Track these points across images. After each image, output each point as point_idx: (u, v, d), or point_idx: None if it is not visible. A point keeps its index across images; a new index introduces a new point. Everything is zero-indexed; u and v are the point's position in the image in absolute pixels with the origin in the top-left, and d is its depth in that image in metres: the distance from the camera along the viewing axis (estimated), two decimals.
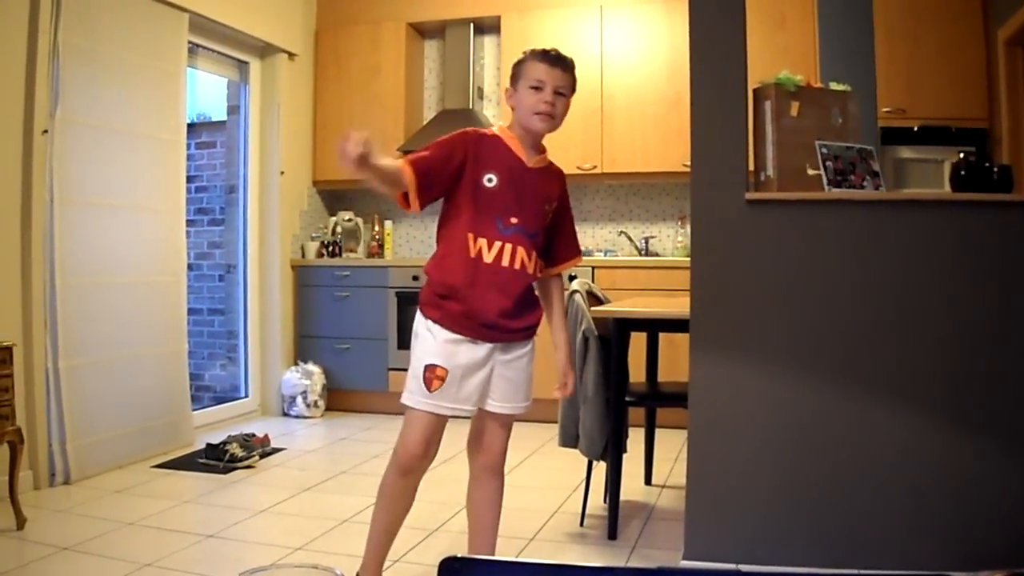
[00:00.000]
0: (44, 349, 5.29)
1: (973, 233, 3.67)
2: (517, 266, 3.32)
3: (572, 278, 6.63)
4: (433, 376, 3.31)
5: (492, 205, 3.30)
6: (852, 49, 5.06)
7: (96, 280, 5.71)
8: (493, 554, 3.55)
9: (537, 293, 3.55)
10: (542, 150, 3.45)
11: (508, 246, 3.30)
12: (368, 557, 3.51)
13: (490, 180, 3.30)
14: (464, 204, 3.31)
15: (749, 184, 3.90)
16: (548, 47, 3.38)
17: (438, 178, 3.26)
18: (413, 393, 3.35)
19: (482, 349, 3.34)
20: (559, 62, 3.33)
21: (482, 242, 3.29)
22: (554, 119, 3.32)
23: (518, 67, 3.39)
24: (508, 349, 3.41)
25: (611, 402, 4.42)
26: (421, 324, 3.38)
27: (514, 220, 3.31)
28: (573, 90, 3.39)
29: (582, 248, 7.85)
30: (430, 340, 3.33)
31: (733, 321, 3.87)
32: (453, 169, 3.28)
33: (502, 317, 3.32)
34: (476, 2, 8.19)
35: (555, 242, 3.54)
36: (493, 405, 3.44)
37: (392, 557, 4.08)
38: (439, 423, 3.38)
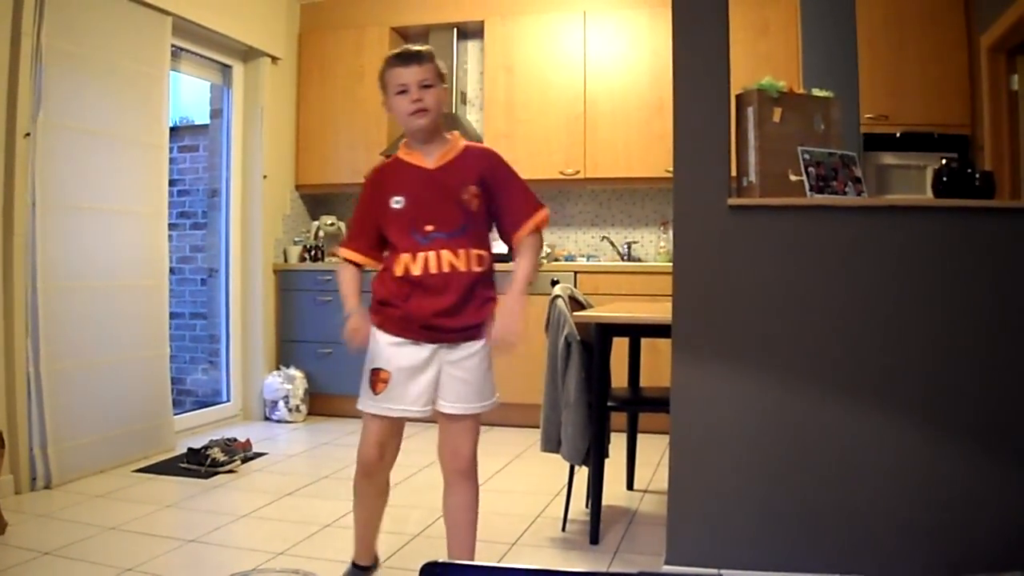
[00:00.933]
0: (26, 353, 5.27)
1: (955, 239, 3.68)
2: (446, 269, 3.36)
3: (554, 283, 6.65)
4: (377, 379, 3.42)
5: (404, 222, 3.40)
6: (835, 55, 5.07)
7: (78, 284, 5.69)
8: (472, 559, 3.55)
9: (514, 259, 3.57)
10: (446, 142, 3.49)
11: (432, 254, 3.36)
12: (356, 545, 3.73)
13: (397, 202, 3.40)
14: (387, 233, 3.46)
15: (731, 190, 3.91)
16: (401, 49, 3.44)
17: (373, 233, 3.51)
18: (363, 397, 3.47)
19: (425, 350, 3.41)
20: (413, 59, 3.36)
21: (406, 258, 3.39)
22: (429, 111, 3.37)
23: (381, 79, 3.44)
24: (454, 349, 3.44)
25: (593, 407, 4.42)
26: (374, 328, 3.48)
27: (429, 227, 3.37)
28: (441, 78, 3.43)
29: (565, 252, 7.93)
30: (374, 344, 3.44)
31: (715, 326, 3.87)
32: (375, 216, 3.47)
33: (438, 317, 3.37)
34: (460, 7, 8.18)
35: (504, 213, 3.54)
36: (445, 406, 3.45)
37: None
38: (391, 425, 3.48)
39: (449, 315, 3.37)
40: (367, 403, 3.44)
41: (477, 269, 3.41)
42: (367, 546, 3.72)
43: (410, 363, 3.39)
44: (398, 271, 3.38)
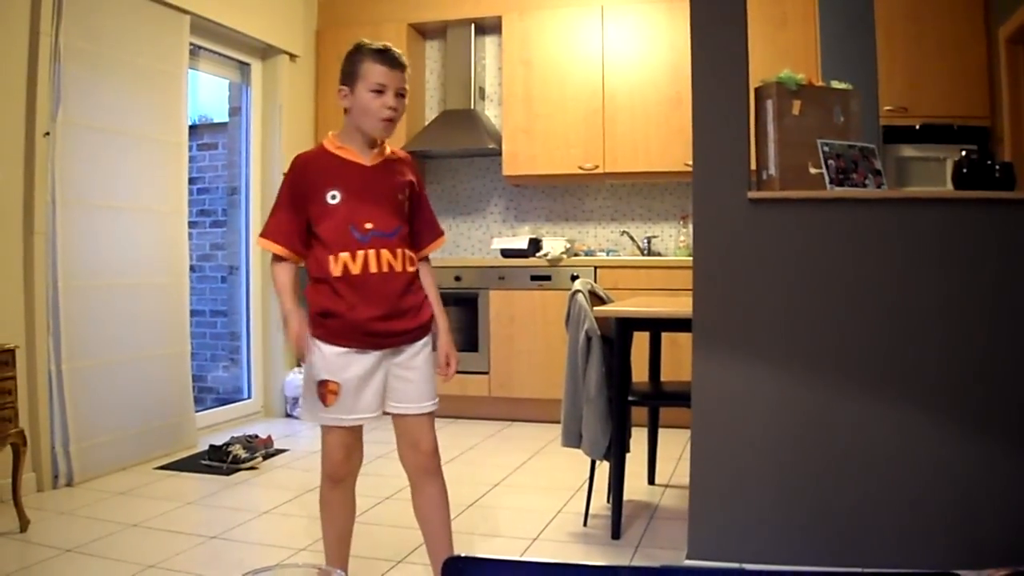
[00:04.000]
0: (47, 351, 5.30)
1: (975, 231, 3.67)
2: (385, 269, 3.28)
3: (574, 278, 6.64)
4: (327, 391, 3.30)
5: (343, 218, 3.27)
6: (853, 48, 5.07)
7: (98, 282, 5.71)
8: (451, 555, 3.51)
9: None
10: (378, 144, 3.42)
11: (372, 252, 3.27)
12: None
13: (333, 196, 3.26)
14: (319, 228, 3.29)
15: (751, 183, 3.90)
16: (382, 44, 3.32)
17: (302, 226, 3.32)
18: (310, 409, 3.36)
19: (371, 357, 3.31)
20: (399, 64, 3.30)
21: (344, 257, 3.25)
22: (396, 122, 3.34)
23: (354, 66, 3.33)
24: (399, 352, 3.37)
25: (614, 402, 4.42)
26: (316, 340, 3.34)
27: (368, 225, 3.27)
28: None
29: (584, 247, 7.91)
30: (319, 356, 3.31)
31: (735, 320, 3.87)
32: (305, 208, 3.30)
33: (381, 322, 3.29)
34: (477, 3, 8.19)
35: (413, 227, 3.49)
36: (396, 407, 3.40)
37: (394, 558, 4.11)
38: (351, 433, 3.38)
39: (391, 319, 3.31)
40: (318, 415, 3.34)
41: (411, 269, 3.39)
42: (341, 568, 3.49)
43: (359, 372, 3.29)
44: (335, 271, 3.25)
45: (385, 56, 3.27)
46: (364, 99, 3.28)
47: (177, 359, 6.46)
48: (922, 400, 3.70)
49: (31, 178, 5.22)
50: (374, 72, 3.25)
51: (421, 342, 3.42)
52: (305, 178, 3.32)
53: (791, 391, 3.81)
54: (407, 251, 3.38)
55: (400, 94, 3.29)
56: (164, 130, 6.35)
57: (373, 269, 3.26)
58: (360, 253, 3.25)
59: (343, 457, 3.39)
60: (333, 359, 3.28)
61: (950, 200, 3.80)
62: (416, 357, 3.40)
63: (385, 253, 3.28)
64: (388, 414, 3.42)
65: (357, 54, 3.32)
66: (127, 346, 5.94)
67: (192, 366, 6.71)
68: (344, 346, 3.28)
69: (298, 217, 3.31)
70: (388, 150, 3.45)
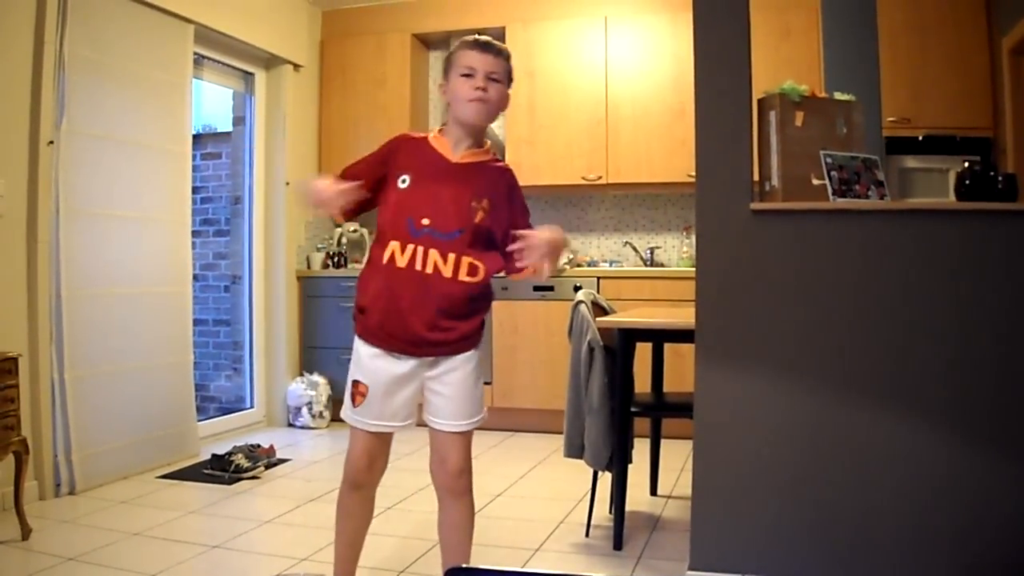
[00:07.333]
0: (50, 360, 5.30)
1: (978, 242, 3.66)
2: (430, 270, 3.12)
3: (577, 288, 6.63)
4: (356, 392, 3.23)
5: (404, 206, 3.17)
6: (856, 59, 5.06)
7: (102, 291, 5.72)
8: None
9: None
10: (480, 145, 3.34)
11: (420, 249, 3.12)
12: (336, 570, 3.43)
13: (403, 181, 3.20)
14: (383, 210, 3.24)
15: (754, 194, 3.89)
16: (479, 36, 3.31)
17: (369, 184, 3.20)
18: (345, 408, 3.29)
19: (404, 364, 3.21)
20: (489, 48, 3.25)
21: (394, 245, 3.15)
22: (487, 104, 3.22)
23: (449, 59, 3.31)
24: (436, 364, 3.24)
25: (616, 412, 4.41)
26: (356, 338, 3.28)
27: (425, 221, 3.13)
28: (510, 79, 3.32)
29: (587, 258, 7.91)
30: (356, 354, 3.26)
31: (738, 331, 3.86)
32: (379, 176, 3.23)
33: (420, 329, 3.16)
34: (481, 13, 8.18)
35: (500, 244, 3.29)
36: (432, 422, 3.29)
37: (397, 568, 4.10)
38: (377, 438, 3.29)
39: (430, 327, 3.16)
40: (347, 414, 3.26)
41: (465, 279, 3.18)
42: (348, 573, 3.45)
43: (388, 378, 3.21)
44: (384, 258, 3.15)
45: (476, 43, 3.26)
46: (455, 84, 3.25)
47: (180, 368, 6.47)
48: (923, 410, 3.69)
49: (35, 187, 5.22)
50: (463, 56, 3.24)
51: (464, 355, 3.28)
52: (395, 154, 3.26)
53: (794, 402, 3.80)
54: (465, 258, 3.16)
55: (492, 78, 3.23)
56: (168, 139, 6.36)
57: (419, 267, 3.12)
58: (410, 247, 3.13)
59: (366, 464, 3.30)
60: (366, 360, 3.22)
61: (953, 212, 3.80)
62: (454, 372, 3.25)
63: (434, 254, 3.13)
64: (424, 426, 3.33)
65: (454, 47, 3.32)
66: (130, 355, 5.94)
67: (195, 375, 6.70)
68: (377, 347, 3.21)
69: (370, 175, 3.22)
70: (488, 156, 3.36)
